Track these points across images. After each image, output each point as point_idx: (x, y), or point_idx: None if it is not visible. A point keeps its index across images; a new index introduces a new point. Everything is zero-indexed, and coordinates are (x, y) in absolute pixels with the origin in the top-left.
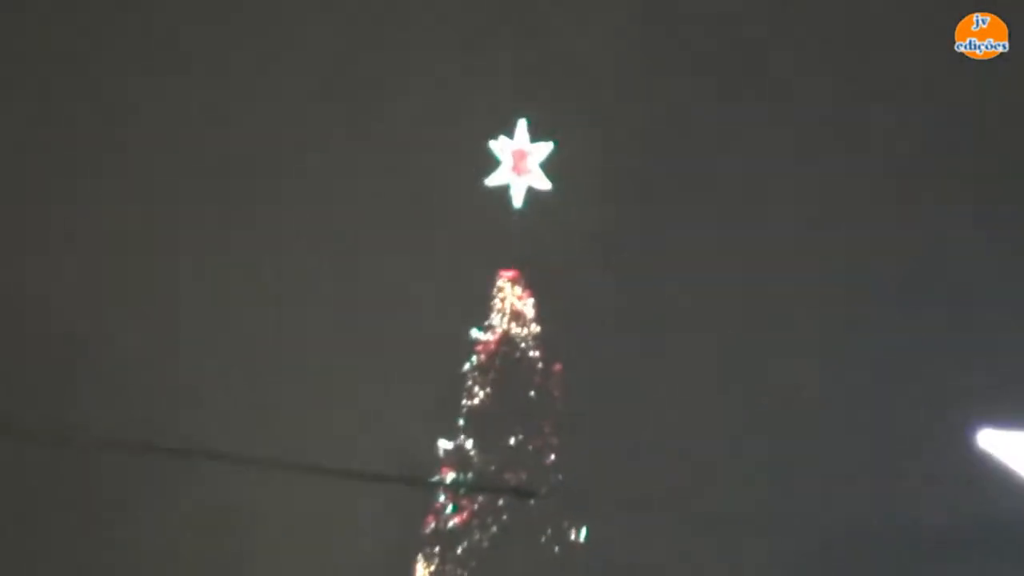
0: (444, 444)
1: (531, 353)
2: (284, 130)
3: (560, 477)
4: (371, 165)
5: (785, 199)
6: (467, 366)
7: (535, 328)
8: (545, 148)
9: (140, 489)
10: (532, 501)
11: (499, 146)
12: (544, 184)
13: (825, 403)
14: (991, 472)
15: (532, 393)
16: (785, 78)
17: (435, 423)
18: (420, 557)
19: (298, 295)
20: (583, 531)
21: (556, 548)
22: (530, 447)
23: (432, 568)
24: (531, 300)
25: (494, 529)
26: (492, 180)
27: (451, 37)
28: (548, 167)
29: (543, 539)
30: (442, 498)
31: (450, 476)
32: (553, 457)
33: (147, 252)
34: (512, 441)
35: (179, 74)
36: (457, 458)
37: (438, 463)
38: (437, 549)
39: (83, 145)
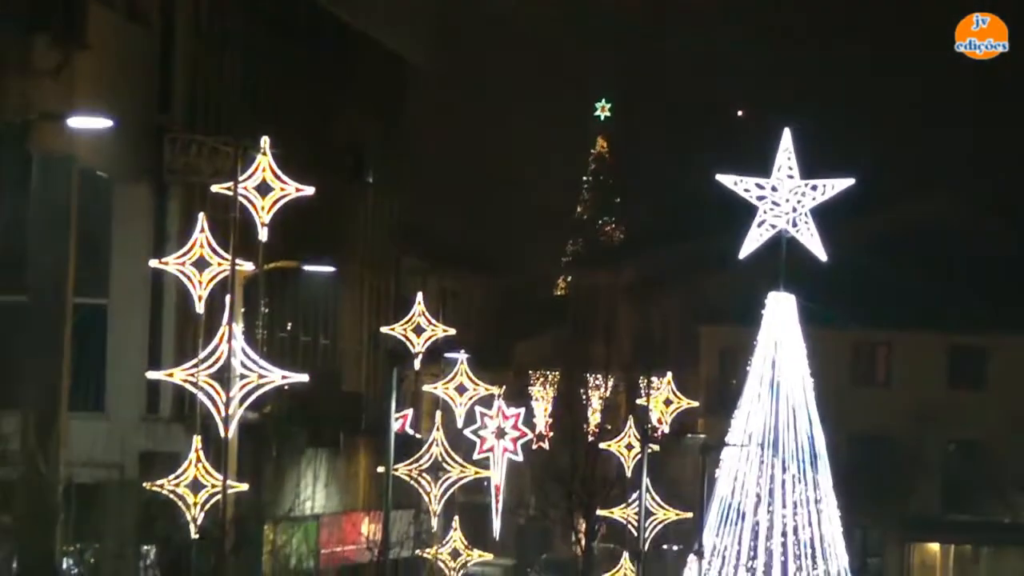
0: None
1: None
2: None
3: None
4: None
5: None
6: (585, 178)
7: (608, 159)
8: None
9: None
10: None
11: (599, 105)
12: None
13: None
14: None
15: (610, 181)
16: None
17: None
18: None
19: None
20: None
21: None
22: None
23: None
24: (607, 147)
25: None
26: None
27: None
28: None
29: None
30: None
31: (578, 210)
32: (618, 200)
33: None
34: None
35: None
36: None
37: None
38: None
39: None
